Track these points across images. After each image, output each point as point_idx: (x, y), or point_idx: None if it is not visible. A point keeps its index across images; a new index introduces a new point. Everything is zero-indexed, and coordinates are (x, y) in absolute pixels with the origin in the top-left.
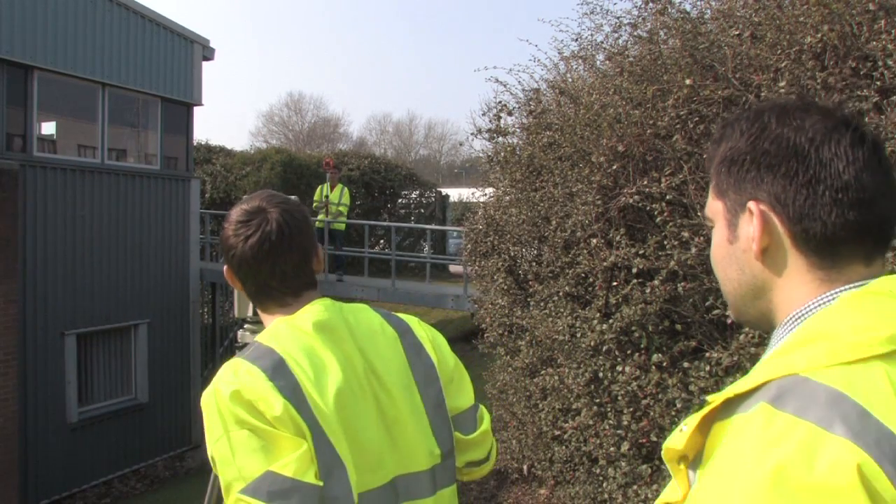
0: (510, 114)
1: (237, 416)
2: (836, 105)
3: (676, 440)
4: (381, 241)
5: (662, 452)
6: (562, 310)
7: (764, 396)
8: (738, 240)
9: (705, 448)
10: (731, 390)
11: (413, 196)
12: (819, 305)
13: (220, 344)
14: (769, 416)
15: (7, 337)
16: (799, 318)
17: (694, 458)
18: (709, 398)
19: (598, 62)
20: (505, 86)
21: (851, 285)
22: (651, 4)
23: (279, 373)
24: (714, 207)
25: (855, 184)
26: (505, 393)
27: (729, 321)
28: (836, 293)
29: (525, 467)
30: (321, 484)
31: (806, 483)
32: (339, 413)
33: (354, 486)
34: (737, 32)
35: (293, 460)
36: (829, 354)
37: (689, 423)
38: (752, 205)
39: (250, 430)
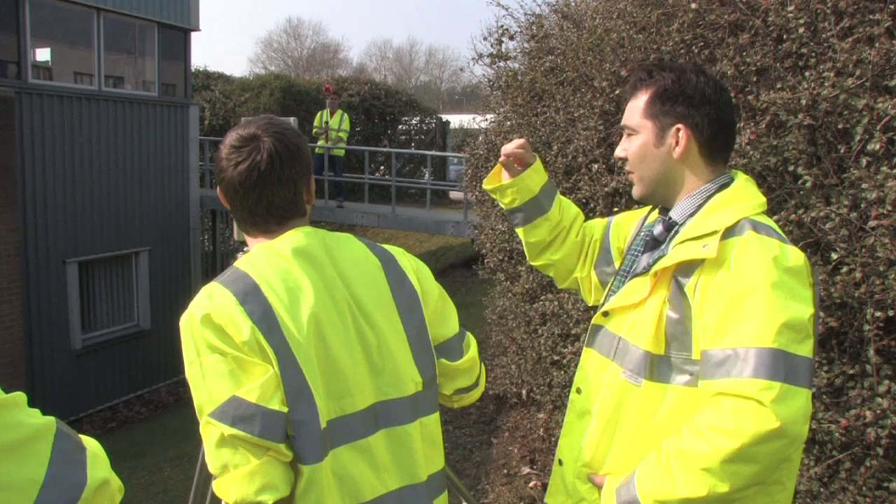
0: (512, 38)
1: (208, 341)
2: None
3: (640, 287)
4: (382, 167)
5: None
6: None
7: (745, 228)
8: (663, 146)
9: (707, 261)
10: (700, 247)
11: (413, 122)
12: (719, 185)
13: (221, 270)
14: (757, 236)
15: (10, 265)
16: (704, 191)
17: (677, 271)
18: (676, 257)
19: None
20: (507, 10)
21: (725, 174)
22: None
23: (251, 297)
24: (643, 123)
25: (734, 121)
26: (505, 318)
27: None
28: (726, 177)
29: (524, 392)
30: (286, 410)
31: (788, 265)
32: (313, 337)
33: (322, 411)
34: None
35: (258, 386)
36: (751, 208)
37: (658, 270)
38: (680, 126)
39: (220, 355)
